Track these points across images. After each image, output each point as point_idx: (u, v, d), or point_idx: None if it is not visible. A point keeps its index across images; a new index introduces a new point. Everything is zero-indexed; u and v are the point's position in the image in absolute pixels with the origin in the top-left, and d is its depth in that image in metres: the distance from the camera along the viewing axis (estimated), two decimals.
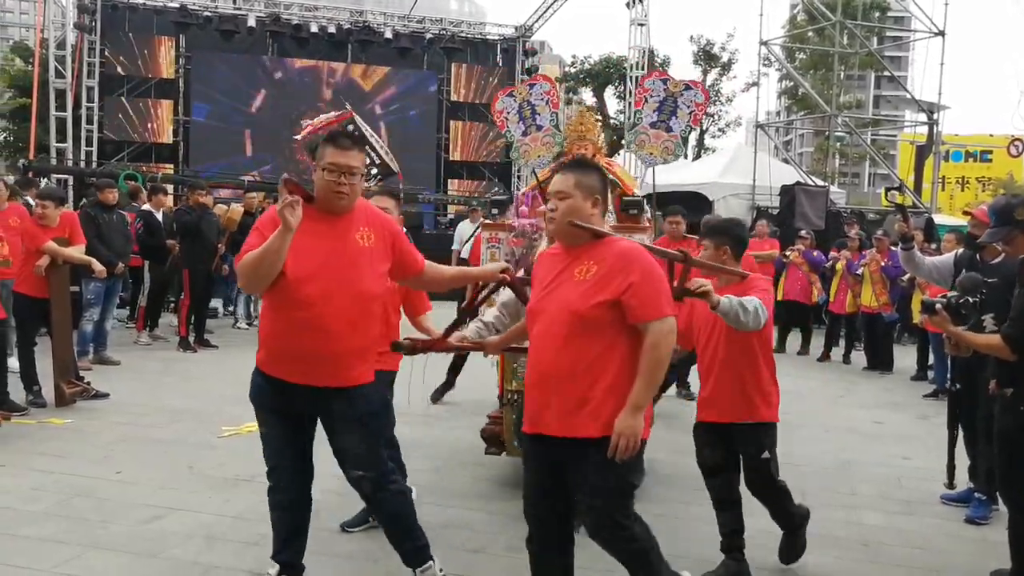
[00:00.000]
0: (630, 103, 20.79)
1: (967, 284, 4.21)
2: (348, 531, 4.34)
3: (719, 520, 4.12)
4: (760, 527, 4.68)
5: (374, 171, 9.31)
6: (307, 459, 3.46)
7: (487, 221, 5.81)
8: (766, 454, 4.01)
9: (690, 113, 6.19)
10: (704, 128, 30.83)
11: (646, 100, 6.23)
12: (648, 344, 2.88)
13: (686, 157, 26.29)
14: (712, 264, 3.93)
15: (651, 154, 6.20)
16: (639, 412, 2.87)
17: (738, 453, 4.07)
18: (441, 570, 3.60)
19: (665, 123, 6.18)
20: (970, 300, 4.08)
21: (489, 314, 4.35)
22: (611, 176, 5.39)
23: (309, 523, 3.55)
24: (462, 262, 10.24)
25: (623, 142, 20.58)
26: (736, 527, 4.09)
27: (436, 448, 5.92)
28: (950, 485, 4.86)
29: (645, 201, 5.41)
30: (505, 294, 4.24)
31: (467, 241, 10.49)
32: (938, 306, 4.08)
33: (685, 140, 6.32)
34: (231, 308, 12.26)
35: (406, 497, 3.50)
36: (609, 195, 5.63)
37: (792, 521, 4.17)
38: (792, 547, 4.21)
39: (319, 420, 3.40)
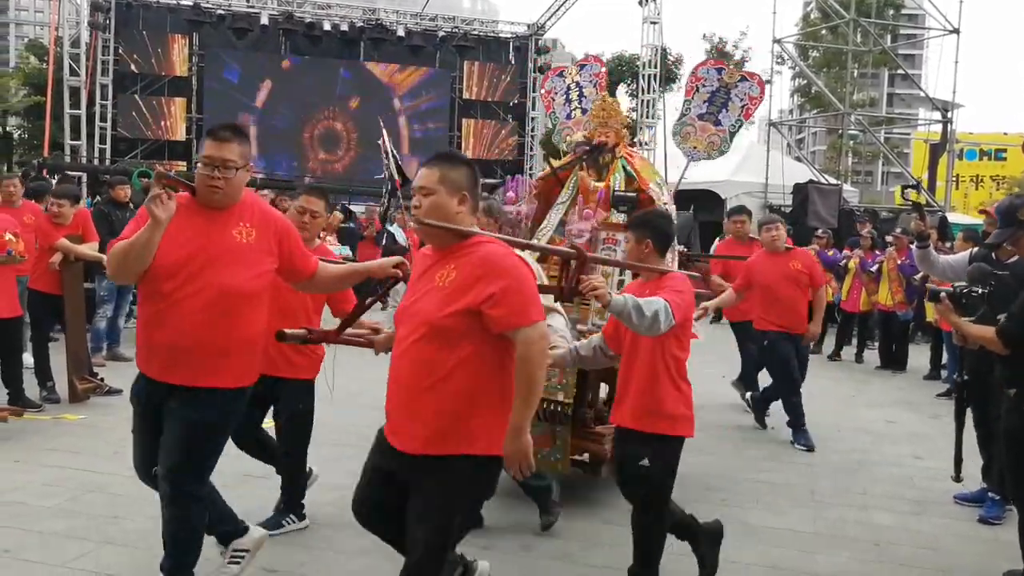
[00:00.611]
0: (642, 101, 20.77)
1: (975, 274, 4.23)
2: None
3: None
4: (781, 524, 4.68)
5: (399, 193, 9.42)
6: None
7: (606, 221, 5.39)
8: (644, 462, 3.55)
9: (742, 107, 5.88)
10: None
11: (697, 89, 5.94)
12: (518, 356, 2.66)
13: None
14: (613, 261, 3.79)
15: (695, 148, 5.99)
16: (521, 433, 2.67)
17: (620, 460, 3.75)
18: None
19: (714, 116, 5.91)
20: (977, 291, 4.09)
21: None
22: (629, 168, 5.27)
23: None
24: None
25: (636, 139, 20.54)
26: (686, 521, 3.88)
27: None
28: (957, 478, 4.81)
29: (639, 198, 5.14)
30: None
31: None
32: (943, 294, 4.12)
33: (732, 135, 6.14)
34: None
35: (184, 527, 3.24)
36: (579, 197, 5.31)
37: (649, 564, 3.66)
38: None
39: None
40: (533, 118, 23.08)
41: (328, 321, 4.09)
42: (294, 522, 4.31)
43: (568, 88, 6.04)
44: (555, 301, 3.76)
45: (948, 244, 10.71)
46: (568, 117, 6.02)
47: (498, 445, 2.69)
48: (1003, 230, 4.25)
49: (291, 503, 4.35)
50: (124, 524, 4.29)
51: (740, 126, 5.92)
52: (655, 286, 3.59)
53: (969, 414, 5.33)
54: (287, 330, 3.40)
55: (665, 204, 5.09)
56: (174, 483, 3.16)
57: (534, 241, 4.98)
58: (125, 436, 5.83)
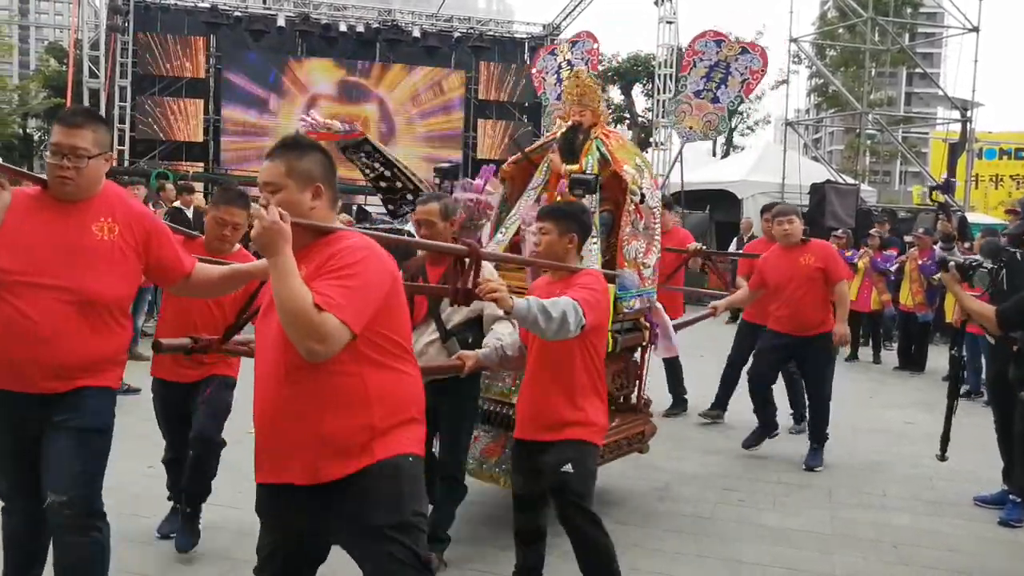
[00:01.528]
0: (658, 100, 20.71)
1: (986, 249, 4.23)
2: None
3: (517, 555, 3.58)
4: (798, 526, 4.66)
5: (408, 196, 9.00)
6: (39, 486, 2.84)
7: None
8: (568, 467, 3.27)
9: (743, 82, 5.35)
10: (733, 126, 30.61)
11: (694, 64, 5.46)
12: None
13: (713, 154, 26.14)
14: (516, 258, 3.47)
15: (691, 128, 5.51)
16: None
17: (544, 475, 3.38)
18: None
19: (712, 92, 5.43)
20: (986, 265, 4.10)
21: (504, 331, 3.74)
22: (604, 150, 4.80)
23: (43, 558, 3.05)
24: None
25: (651, 140, 20.49)
26: (535, 564, 3.57)
27: None
28: (942, 457, 4.74)
29: (597, 181, 4.71)
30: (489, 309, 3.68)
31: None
32: (951, 264, 4.12)
33: (732, 114, 5.75)
34: None
35: (99, 551, 2.90)
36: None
37: None
38: None
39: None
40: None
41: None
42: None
43: (559, 67, 5.58)
44: (450, 304, 3.36)
45: (967, 244, 10.63)
46: (558, 98, 5.52)
47: (401, 445, 2.38)
48: (1022, 222, 4.23)
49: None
50: (142, 522, 4.33)
51: (740, 102, 5.44)
52: (565, 284, 3.33)
53: (990, 415, 5.32)
54: (163, 340, 3.21)
55: (644, 188, 4.64)
56: (76, 506, 2.79)
57: (503, 240, 4.60)
58: (143, 434, 5.89)
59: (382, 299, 2.32)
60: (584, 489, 3.32)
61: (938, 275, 4.27)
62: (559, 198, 4.59)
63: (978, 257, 4.19)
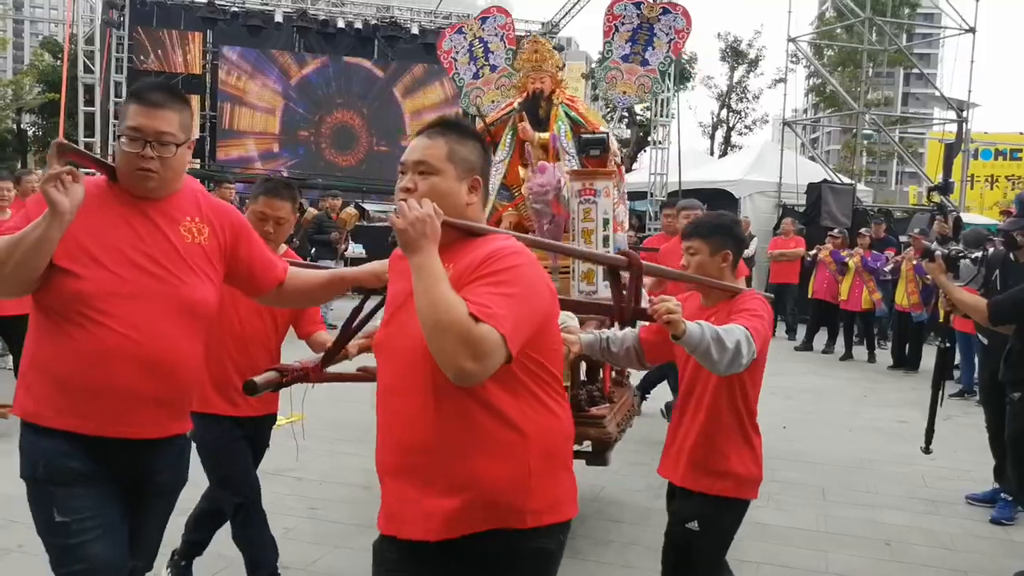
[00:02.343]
0: (656, 99, 20.71)
1: (970, 238, 4.26)
2: None
3: None
4: (791, 523, 4.67)
5: None
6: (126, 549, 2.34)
7: (576, 169, 4.57)
8: (693, 524, 2.90)
9: (669, 42, 5.17)
10: (731, 125, 30.66)
11: (616, 29, 5.23)
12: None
13: (711, 153, 26.18)
14: (676, 272, 2.97)
15: (624, 93, 5.28)
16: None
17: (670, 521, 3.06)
18: None
19: (640, 55, 5.20)
20: (971, 255, 4.13)
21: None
22: (573, 114, 4.72)
23: None
24: None
25: (650, 139, 20.50)
26: None
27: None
28: (926, 450, 4.76)
29: (609, 137, 4.52)
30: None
31: None
32: (937, 253, 4.15)
33: (664, 74, 5.48)
34: None
35: None
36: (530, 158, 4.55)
37: None
38: None
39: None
40: None
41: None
42: None
43: (471, 45, 5.38)
44: (612, 324, 3.07)
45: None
46: (476, 76, 5.36)
47: (566, 509, 2.02)
48: (1016, 219, 4.25)
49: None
50: None
51: (671, 63, 5.25)
52: (727, 309, 2.85)
53: (983, 414, 5.34)
54: (257, 378, 2.48)
55: (617, 155, 4.55)
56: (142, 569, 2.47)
57: (575, 245, 4.03)
58: None
59: (542, 318, 1.94)
60: (713, 552, 2.94)
61: (930, 264, 4.29)
62: (529, 167, 4.51)
63: (962, 248, 4.21)
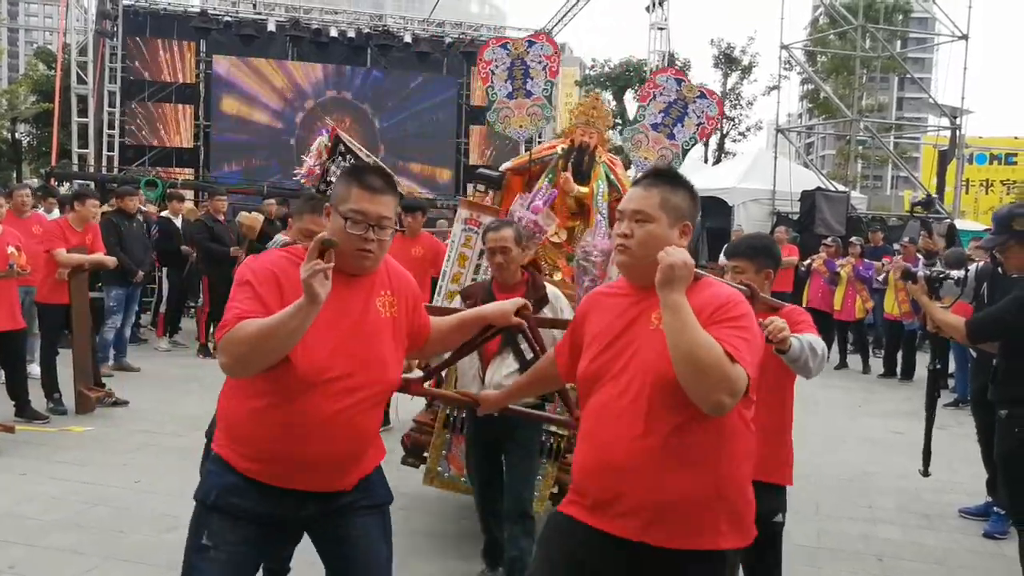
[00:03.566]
0: (638, 106, 20.73)
1: (951, 258, 4.26)
2: None
3: None
4: (785, 538, 4.67)
5: None
6: None
7: (465, 198, 4.80)
8: (779, 517, 3.26)
9: (698, 125, 5.41)
10: (724, 132, 30.69)
11: (654, 97, 5.43)
12: None
13: (705, 161, 26.21)
14: (765, 298, 3.10)
15: (645, 159, 5.42)
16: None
17: None
18: None
19: (668, 128, 5.41)
20: (952, 275, 4.14)
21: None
22: (612, 176, 4.92)
23: None
24: None
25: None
26: None
27: None
28: (925, 472, 4.77)
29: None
30: None
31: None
32: (920, 274, 4.19)
33: (685, 152, 5.20)
34: None
35: None
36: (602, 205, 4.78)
37: None
38: None
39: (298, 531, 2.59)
40: None
41: None
42: None
43: (512, 64, 5.43)
44: None
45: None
46: (510, 96, 5.40)
47: (749, 533, 2.24)
48: (995, 236, 4.24)
49: None
50: (130, 538, 4.31)
51: (694, 143, 5.52)
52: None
53: (974, 425, 5.35)
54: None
55: None
56: None
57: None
58: (131, 448, 5.90)
59: (760, 359, 2.19)
60: (780, 540, 3.30)
61: (913, 286, 4.30)
62: (599, 229, 4.63)
63: (944, 269, 4.22)
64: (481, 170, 4.57)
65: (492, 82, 5.45)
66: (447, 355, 3.04)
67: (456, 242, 4.58)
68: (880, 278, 10.58)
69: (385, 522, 2.60)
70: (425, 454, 4.52)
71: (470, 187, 4.77)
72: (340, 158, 4.74)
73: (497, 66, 5.41)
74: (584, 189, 4.81)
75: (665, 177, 2.32)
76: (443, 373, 3.81)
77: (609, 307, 2.33)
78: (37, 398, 6.64)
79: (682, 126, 5.35)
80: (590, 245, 4.56)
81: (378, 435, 2.53)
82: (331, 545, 2.50)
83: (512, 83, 5.39)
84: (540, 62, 5.39)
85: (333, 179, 5.22)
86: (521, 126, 5.33)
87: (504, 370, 3.67)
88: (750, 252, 3.28)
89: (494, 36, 22.84)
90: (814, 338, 2.91)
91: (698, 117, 5.33)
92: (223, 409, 2.48)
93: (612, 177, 4.88)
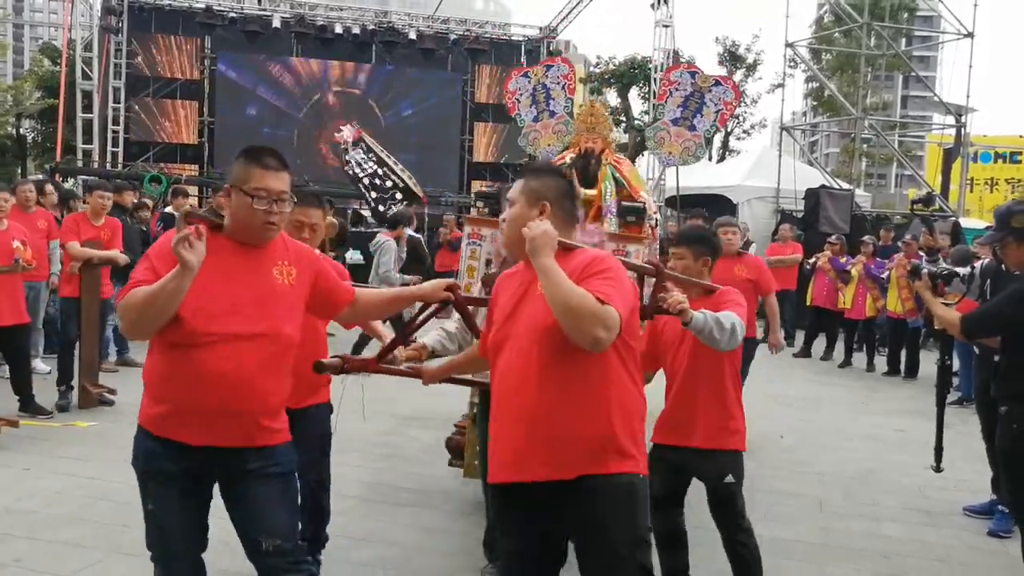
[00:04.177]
0: (655, 105, 20.71)
1: (956, 256, 4.28)
2: None
3: (663, 562, 3.69)
4: (789, 536, 4.67)
5: (398, 195, 9.10)
6: (204, 531, 2.84)
7: (469, 216, 5.23)
8: (729, 478, 3.58)
9: (717, 112, 5.68)
10: (729, 130, 30.63)
11: (670, 93, 5.76)
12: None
13: (709, 159, 26.16)
14: (685, 278, 3.58)
15: (670, 154, 5.76)
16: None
17: (688, 483, 3.73)
18: None
19: (688, 121, 5.69)
20: (957, 271, 4.17)
21: (452, 323, 3.80)
22: (618, 176, 5.10)
23: None
24: None
25: (648, 143, 20.50)
26: (679, 567, 3.75)
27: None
28: (937, 468, 4.76)
29: (646, 208, 5.05)
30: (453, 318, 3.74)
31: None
32: (924, 271, 4.24)
33: (708, 142, 5.61)
34: None
35: None
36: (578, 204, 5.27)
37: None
38: None
39: (219, 484, 2.79)
40: None
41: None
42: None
43: (534, 89, 5.88)
44: (642, 319, 3.54)
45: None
46: (535, 120, 5.89)
47: (638, 463, 2.54)
48: (994, 233, 4.26)
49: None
50: (133, 533, 4.29)
51: (715, 131, 5.84)
52: (715, 301, 3.49)
53: (978, 424, 5.33)
54: (324, 360, 3.10)
55: (654, 213, 5.11)
56: (290, 551, 2.75)
57: (642, 252, 4.73)
58: (130, 442, 5.89)
59: (632, 306, 2.52)
60: (741, 499, 3.63)
61: (916, 283, 4.33)
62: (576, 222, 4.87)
63: (949, 266, 4.23)
64: (626, 204, 5.00)
65: (519, 110, 5.95)
66: (392, 336, 3.34)
67: (464, 256, 4.94)
68: (884, 276, 10.55)
69: (287, 489, 2.78)
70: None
71: (473, 209, 5.12)
72: (363, 152, 4.99)
73: (521, 95, 5.90)
74: (591, 192, 5.05)
75: (530, 168, 2.77)
76: None
77: (509, 285, 2.68)
78: (41, 393, 6.65)
79: (701, 116, 5.64)
80: (585, 239, 4.61)
81: (280, 408, 2.77)
82: (236, 504, 2.75)
83: (536, 107, 5.88)
84: (558, 82, 5.83)
85: (351, 170, 5.62)
86: (549, 145, 5.79)
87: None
88: (688, 241, 3.77)
89: (498, 33, 22.84)
90: (728, 314, 3.23)
91: (716, 104, 5.63)
92: (144, 373, 2.74)
93: (618, 175, 5.14)
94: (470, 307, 3.25)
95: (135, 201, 9.55)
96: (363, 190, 9.63)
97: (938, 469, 4.73)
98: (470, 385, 3.88)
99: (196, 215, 2.75)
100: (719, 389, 3.57)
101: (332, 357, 3.14)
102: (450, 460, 4.93)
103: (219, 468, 2.72)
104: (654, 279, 3.21)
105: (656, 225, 4.94)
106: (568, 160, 5.23)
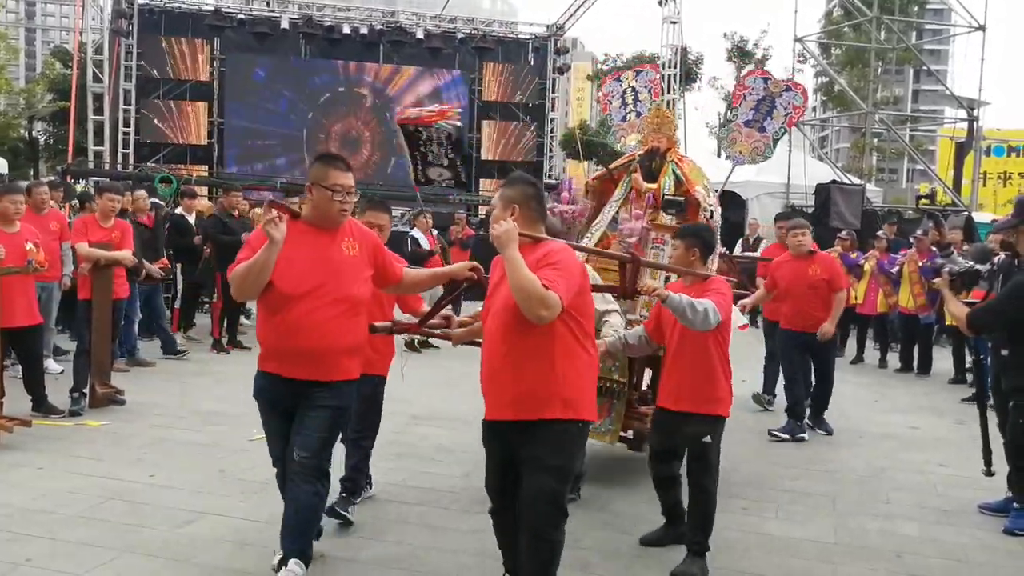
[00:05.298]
0: (664, 100, 20.65)
1: (975, 253, 4.33)
2: (344, 518, 4.49)
3: (660, 498, 4.43)
4: (801, 534, 4.65)
5: (448, 177, 9.67)
6: (287, 439, 3.72)
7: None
8: (707, 438, 4.16)
9: (786, 115, 6.23)
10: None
11: (744, 98, 6.33)
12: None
13: (717, 155, 26.07)
14: (664, 265, 4.40)
15: (740, 153, 6.37)
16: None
17: (682, 439, 4.28)
18: None
19: (759, 123, 6.25)
20: (976, 268, 4.25)
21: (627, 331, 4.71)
22: (679, 172, 5.70)
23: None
24: None
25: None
26: (675, 502, 4.42)
27: (467, 453, 5.86)
28: (988, 472, 4.71)
29: (685, 201, 5.60)
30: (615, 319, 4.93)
31: None
32: (945, 270, 4.44)
33: (776, 142, 6.59)
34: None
35: (320, 501, 3.71)
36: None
37: (703, 536, 4.10)
38: (691, 570, 4.02)
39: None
40: (552, 119, 23.01)
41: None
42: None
43: (624, 92, 6.54)
44: (615, 299, 4.58)
45: (966, 246, 10.57)
46: (623, 119, 6.49)
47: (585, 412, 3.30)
48: (1006, 220, 4.25)
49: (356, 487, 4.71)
50: (145, 533, 4.32)
51: (783, 133, 6.35)
52: (700, 289, 4.16)
53: (995, 419, 5.28)
54: (377, 323, 4.05)
55: (711, 206, 5.54)
56: (311, 465, 3.59)
57: (588, 245, 5.52)
58: (147, 443, 5.93)
59: (578, 288, 3.22)
60: (715, 455, 4.20)
61: (936, 280, 4.37)
62: (634, 211, 5.66)
63: (974, 264, 4.24)
64: (668, 197, 5.67)
65: (610, 110, 6.60)
66: (431, 306, 4.46)
67: (648, 257, 5.48)
68: (895, 271, 10.47)
69: (330, 418, 3.64)
70: None
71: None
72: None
73: (612, 97, 6.58)
74: (652, 185, 5.64)
75: (507, 178, 3.51)
76: None
77: (498, 268, 3.38)
78: (54, 393, 6.68)
79: (771, 119, 6.22)
80: (627, 228, 5.64)
81: (351, 351, 3.69)
82: (296, 421, 3.65)
83: (624, 108, 6.52)
84: (646, 86, 6.50)
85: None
86: (635, 142, 6.34)
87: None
88: (682, 235, 4.43)
89: (505, 31, 22.80)
90: (703, 301, 3.92)
91: (785, 108, 6.21)
92: (256, 330, 3.76)
93: (679, 173, 5.68)
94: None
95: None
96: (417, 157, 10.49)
97: (989, 473, 4.67)
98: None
99: (278, 203, 3.54)
100: (705, 361, 4.15)
101: (382, 323, 4.14)
102: None
103: (297, 396, 3.61)
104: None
105: (712, 216, 5.42)
106: (637, 157, 5.87)
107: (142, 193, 9.56)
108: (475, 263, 3.93)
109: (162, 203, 11.31)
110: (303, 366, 3.56)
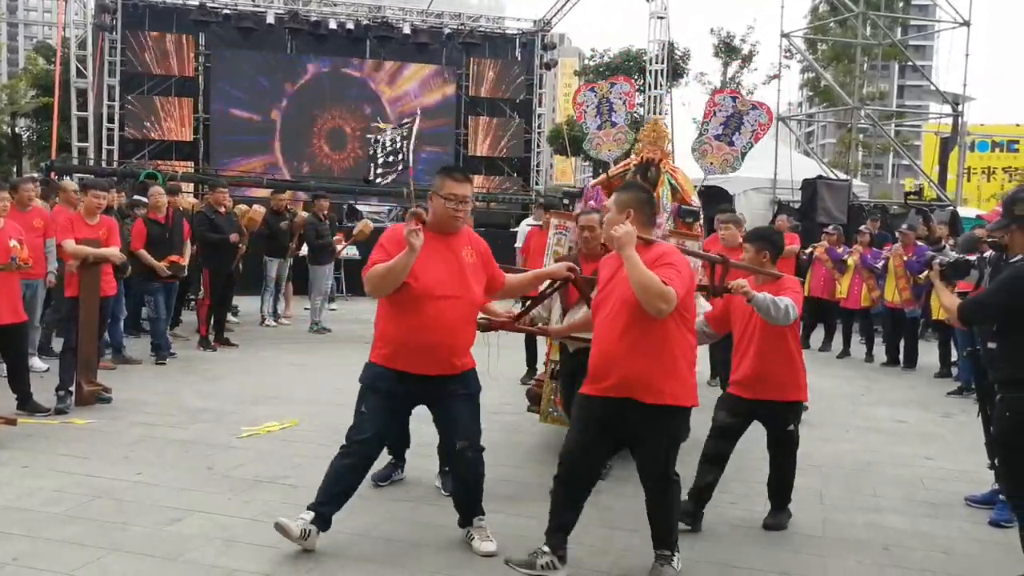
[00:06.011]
0: (650, 97, 20.69)
1: (963, 243, 4.40)
2: (379, 485, 5.00)
3: (701, 471, 4.70)
4: (789, 528, 4.65)
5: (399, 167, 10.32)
6: (393, 431, 4.42)
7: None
8: (791, 427, 4.64)
9: (752, 132, 6.72)
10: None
11: (714, 114, 6.80)
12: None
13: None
14: (748, 266, 4.61)
15: (711, 164, 6.82)
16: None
17: (748, 424, 4.70)
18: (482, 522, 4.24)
19: (728, 137, 6.74)
20: (966, 259, 4.29)
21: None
22: (674, 182, 6.10)
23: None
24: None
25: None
26: (712, 482, 4.69)
27: None
28: (992, 466, 4.74)
29: (700, 211, 6.19)
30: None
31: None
32: (936, 262, 4.47)
33: (743, 155, 7.06)
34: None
35: (483, 464, 4.19)
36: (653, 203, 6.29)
37: (787, 496, 4.79)
38: (779, 520, 4.75)
39: (428, 404, 4.14)
40: (539, 115, 23.00)
41: None
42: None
43: (599, 102, 6.95)
44: (708, 297, 4.96)
45: (952, 240, 10.62)
46: (599, 128, 6.90)
47: (691, 396, 3.80)
48: (998, 221, 4.27)
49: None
50: (131, 531, 4.29)
51: (750, 147, 6.83)
52: (776, 287, 4.49)
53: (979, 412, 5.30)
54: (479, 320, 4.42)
55: (698, 208, 6.20)
56: (475, 445, 4.11)
57: (696, 246, 5.87)
58: (132, 441, 5.89)
59: (689, 287, 3.71)
60: (797, 438, 4.75)
61: (925, 273, 4.44)
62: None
63: (960, 255, 4.28)
64: (685, 208, 6.25)
65: (585, 119, 7.02)
66: (529, 302, 5.04)
67: (551, 244, 6.09)
68: (879, 265, 10.51)
69: (474, 402, 4.16)
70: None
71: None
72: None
73: (588, 106, 6.99)
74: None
75: (622, 186, 4.15)
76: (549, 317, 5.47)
77: (610, 265, 3.86)
78: (39, 391, 6.62)
79: (739, 134, 6.72)
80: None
81: (469, 348, 4.12)
82: (441, 416, 4.14)
83: (600, 117, 6.94)
84: (620, 98, 6.95)
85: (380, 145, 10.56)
86: (610, 150, 6.88)
87: (578, 314, 5.00)
88: (751, 239, 4.81)
89: (492, 26, 22.75)
90: (783, 299, 4.25)
91: (752, 125, 6.72)
92: (377, 326, 4.11)
93: (674, 182, 6.16)
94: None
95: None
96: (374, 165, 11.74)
97: (992, 466, 4.69)
98: (580, 342, 4.87)
99: (419, 213, 4.12)
100: (786, 352, 4.54)
101: (480, 318, 4.48)
102: (528, 406, 6.23)
103: (428, 391, 4.04)
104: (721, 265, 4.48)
105: (702, 225, 5.95)
106: (632, 167, 6.21)
107: (158, 189, 9.48)
108: (571, 263, 4.43)
109: (146, 200, 11.20)
110: (433, 363, 3.95)
